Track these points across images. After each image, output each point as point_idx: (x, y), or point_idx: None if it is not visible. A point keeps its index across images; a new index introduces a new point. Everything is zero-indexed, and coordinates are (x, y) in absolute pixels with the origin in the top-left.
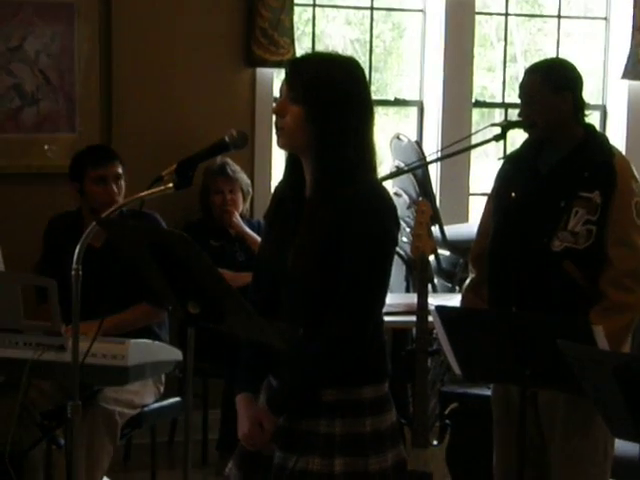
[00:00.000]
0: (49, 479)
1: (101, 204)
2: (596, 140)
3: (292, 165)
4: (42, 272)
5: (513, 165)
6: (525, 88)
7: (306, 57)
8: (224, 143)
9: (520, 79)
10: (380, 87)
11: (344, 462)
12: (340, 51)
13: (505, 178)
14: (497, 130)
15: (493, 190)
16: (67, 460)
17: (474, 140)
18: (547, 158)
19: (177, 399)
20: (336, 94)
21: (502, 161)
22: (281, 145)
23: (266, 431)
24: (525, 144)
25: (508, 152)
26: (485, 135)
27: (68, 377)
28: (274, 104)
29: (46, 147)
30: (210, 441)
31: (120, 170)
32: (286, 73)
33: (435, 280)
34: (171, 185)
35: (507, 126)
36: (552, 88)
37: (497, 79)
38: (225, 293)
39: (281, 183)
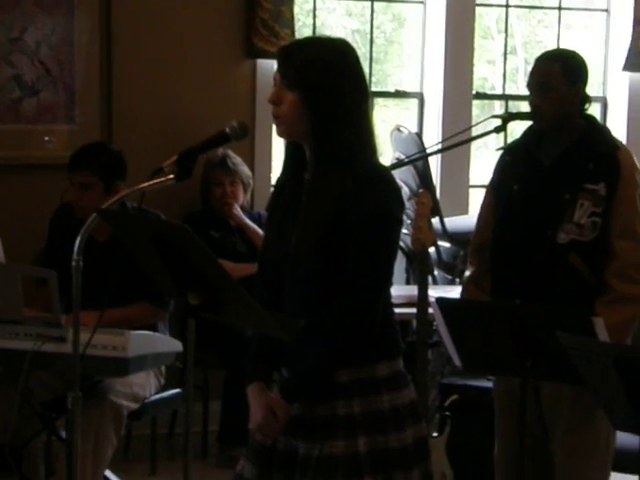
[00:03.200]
0: (50, 470)
1: (74, 206)
2: (598, 132)
3: (292, 152)
4: (45, 261)
5: (513, 157)
6: (542, 76)
7: (297, 43)
8: (224, 134)
9: (521, 70)
10: (380, 79)
11: (367, 441)
12: None
13: (505, 170)
14: (497, 122)
15: (492, 182)
16: (68, 451)
17: (474, 132)
18: (549, 150)
19: (177, 390)
20: (330, 77)
21: (500, 152)
22: (280, 133)
23: (280, 419)
24: (525, 135)
25: (507, 143)
26: (485, 127)
27: (68, 368)
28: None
29: (46, 138)
30: (210, 432)
31: (88, 179)
32: (278, 61)
33: (435, 272)
34: (172, 176)
35: (508, 118)
36: (569, 79)
37: (497, 71)
38: (225, 284)
39: (281, 172)
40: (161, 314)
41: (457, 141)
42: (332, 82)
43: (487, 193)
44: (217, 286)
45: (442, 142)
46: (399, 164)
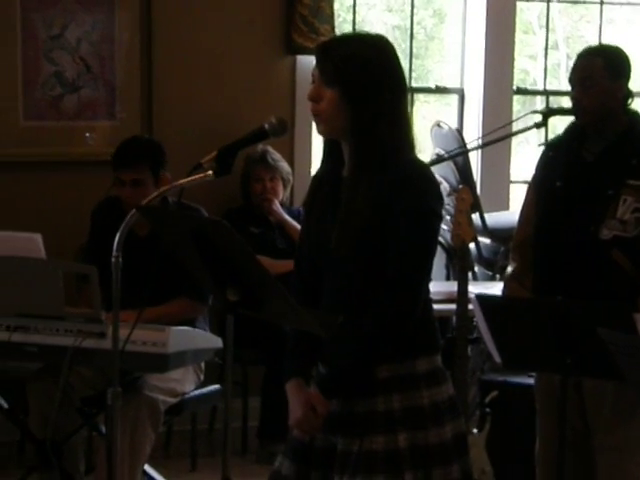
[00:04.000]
0: (90, 465)
1: (126, 205)
2: None
3: (330, 148)
4: (87, 256)
5: (555, 153)
6: (584, 71)
7: (335, 39)
8: (263, 130)
9: (562, 66)
10: (421, 74)
11: (407, 436)
12: None
13: (548, 166)
14: (538, 117)
15: (535, 178)
16: (107, 446)
17: (515, 127)
18: (591, 146)
19: (217, 386)
20: (369, 73)
21: (542, 148)
22: (321, 131)
23: (319, 415)
24: (567, 131)
25: (549, 139)
26: (526, 122)
27: (108, 364)
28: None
29: (87, 135)
30: (250, 428)
31: (141, 175)
32: (317, 57)
33: (476, 268)
34: (211, 172)
35: (548, 113)
36: (612, 74)
37: (539, 66)
38: (264, 280)
39: (319, 169)
40: (200, 309)
41: (497, 137)
42: (371, 78)
43: (529, 189)
44: (256, 282)
45: (482, 138)
46: (439, 160)
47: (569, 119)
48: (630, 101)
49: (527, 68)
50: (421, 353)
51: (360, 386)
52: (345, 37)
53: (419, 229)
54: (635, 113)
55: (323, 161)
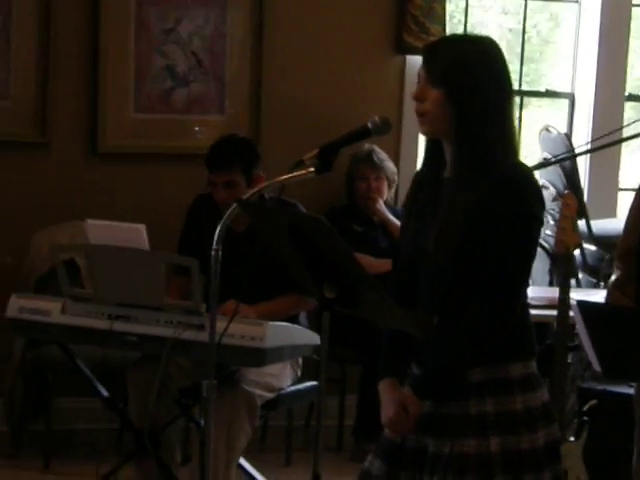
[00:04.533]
0: (186, 456)
1: (220, 206)
2: None
3: (432, 149)
4: (180, 251)
5: None
6: None
7: (442, 40)
8: (366, 129)
9: None
10: (534, 78)
11: (499, 441)
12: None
13: None
14: None
15: None
16: (201, 438)
17: (626, 134)
18: None
19: (313, 383)
20: (475, 74)
21: None
22: (424, 132)
23: (411, 415)
24: None
25: None
26: (638, 129)
27: (206, 356)
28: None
29: (196, 129)
30: (346, 426)
31: (232, 177)
32: (423, 57)
33: (580, 275)
34: (312, 169)
35: None
36: None
37: None
38: (361, 278)
39: (420, 169)
40: (310, 303)
41: (606, 142)
42: (477, 80)
43: (636, 196)
44: (353, 280)
45: (590, 143)
46: (545, 164)
47: None
48: None
49: None
50: (516, 358)
51: (453, 388)
52: (452, 38)
53: (519, 233)
54: None
55: (425, 161)
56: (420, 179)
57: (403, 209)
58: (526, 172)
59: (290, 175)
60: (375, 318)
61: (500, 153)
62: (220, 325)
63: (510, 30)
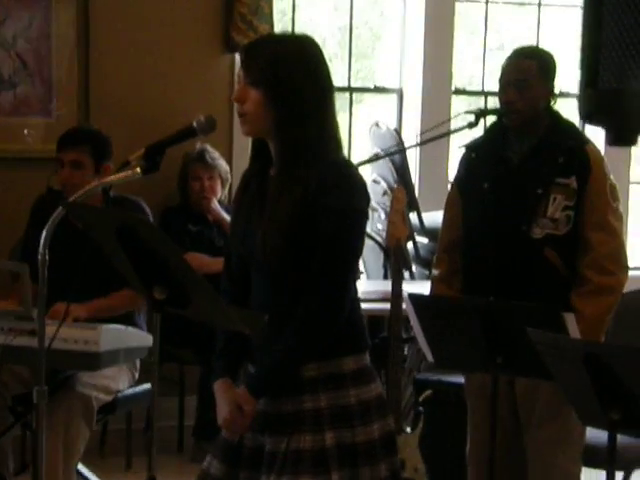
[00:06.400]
0: (24, 465)
1: (62, 187)
2: (564, 126)
3: (258, 148)
4: (23, 251)
5: (478, 154)
6: (520, 73)
7: (259, 40)
8: (191, 128)
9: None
10: (366, 74)
11: (334, 435)
12: (322, 38)
13: (472, 168)
14: (472, 118)
15: (458, 180)
16: (34, 445)
17: (454, 127)
18: (515, 146)
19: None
20: (293, 73)
21: (463, 150)
22: (245, 132)
23: (246, 414)
24: (489, 132)
25: (469, 141)
26: (465, 121)
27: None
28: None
29: (26, 132)
30: (187, 427)
31: (80, 157)
32: (241, 58)
33: (413, 267)
34: (138, 170)
35: (481, 114)
36: (546, 77)
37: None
38: (190, 279)
39: (248, 167)
40: (142, 300)
41: (432, 136)
42: (295, 78)
43: (452, 191)
44: (182, 281)
45: (419, 136)
46: (374, 158)
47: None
48: (553, 102)
49: (473, 70)
50: (348, 352)
51: (287, 385)
52: (269, 38)
53: (344, 227)
54: (557, 113)
55: (252, 159)
56: (248, 177)
57: (232, 207)
58: (349, 167)
59: (117, 175)
60: (206, 318)
61: (321, 150)
62: (51, 330)
63: (341, 27)
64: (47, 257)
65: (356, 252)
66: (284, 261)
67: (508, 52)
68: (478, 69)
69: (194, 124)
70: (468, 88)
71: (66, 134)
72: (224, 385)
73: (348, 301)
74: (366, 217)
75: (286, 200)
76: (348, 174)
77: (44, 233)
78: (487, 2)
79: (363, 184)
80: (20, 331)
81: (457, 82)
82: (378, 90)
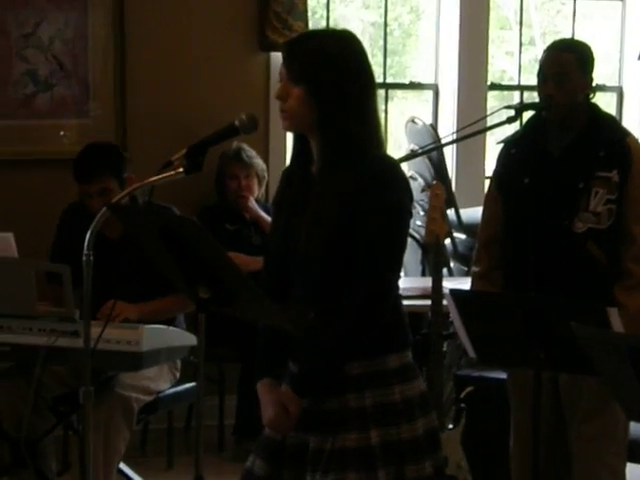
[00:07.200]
0: (66, 464)
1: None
2: (605, 120)
3: (299, 145)
4: (53, 257)
5: (518, 149)
6: (558, 66)
7: (301, 37)
8: (234, 127)
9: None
10: (398, 71)
11: (379, 433)
12: (358, 34)
13: (512, 163)
14: (511, 112)
15: (497, 175)
16: (80, 445)
17: (490, 123)
18: (556, 140)
19: (192, 384)
20: (334, 69)
21: (501, 145)
22: (285, 127)
23: (292, 414)
24: (528, 126)
25: (507, 136)
26: (501, 117)
27: (82, 363)
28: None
29: (62, 133)
30: (227, 426)
31: (105, 184)
32: (283, 55)
33: (451, 264)
34: (181, 170)
35: (522, 108)
36: (584, 70)
37: (515, 62)
38: (234, 277)
39: (289, 165)
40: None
41: (470, 132)
42: (336, 74)
43: (490, 188)
44: (227, 279)
45: (455, 133)
46: (412, 155)
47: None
48: (592, 95)
49: (505, 64)
50: (391, 349)
51: (332, 384)
52: (311, 34)
53: (388, 225)
54: (596, 106)
55: (293, 157)
56: (289, 175)
57: (273, 206)
58: (392, 164)
59: (160, 176)
60: (250, 316)
61: (365, 146)
62: (95, 331)
63: (372, 24)
64: (92, 258)
65: (400, 249)
66: (327, 257)
67: (539, 47)
68: (507, 64)
69: (236, 123)
70: (496, 83)
71: (82, 166)
72: (268, 385)
73: (391, 299)
74: (410, 214)
75: (330, 197)
76: (391, 171)
77: (88, 235)
78: None
79: (406, 180)
80: (62, 332)
81: (490, 77)
82: (414, 86)
